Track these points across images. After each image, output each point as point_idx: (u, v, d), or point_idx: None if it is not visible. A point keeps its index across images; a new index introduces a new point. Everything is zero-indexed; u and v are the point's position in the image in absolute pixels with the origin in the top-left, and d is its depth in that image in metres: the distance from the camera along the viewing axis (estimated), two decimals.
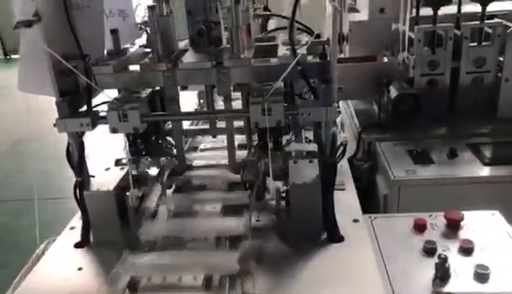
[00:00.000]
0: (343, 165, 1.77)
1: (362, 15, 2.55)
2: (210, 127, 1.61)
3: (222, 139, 1.64)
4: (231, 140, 1.49)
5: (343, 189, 1.58)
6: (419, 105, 2.01)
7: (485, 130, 2.08)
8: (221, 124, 1.64)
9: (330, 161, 1.31)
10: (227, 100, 1.42)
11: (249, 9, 1.48)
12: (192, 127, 1.83)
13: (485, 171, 1.77)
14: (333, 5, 1.22)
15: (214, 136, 1.65)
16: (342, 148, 1.41)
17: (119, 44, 1.45)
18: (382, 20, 2.46)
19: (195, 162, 1.58)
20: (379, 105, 2.23)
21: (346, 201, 1.51)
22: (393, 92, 2.03)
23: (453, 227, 1.36)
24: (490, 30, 2.11)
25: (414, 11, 2.29)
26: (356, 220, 1.40)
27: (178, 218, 1.33)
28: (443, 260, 1.17)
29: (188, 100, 2.05)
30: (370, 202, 1.98)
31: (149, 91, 1.43)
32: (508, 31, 2.02)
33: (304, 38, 1.43)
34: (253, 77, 1.33)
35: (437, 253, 1.23)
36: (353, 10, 2.84)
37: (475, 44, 2.12)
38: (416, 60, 2.14)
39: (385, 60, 2.32)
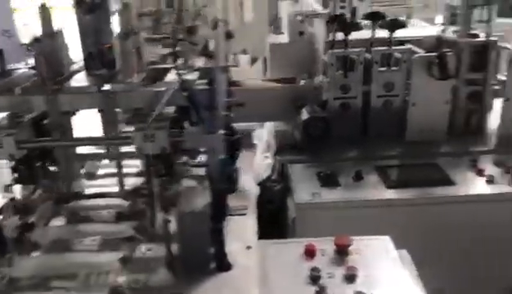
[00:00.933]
0: (251, 189, 1.77)
1: (283, 38, 2.59)
2: (107, 152, 1.56)
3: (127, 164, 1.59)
4: (119, 167, 1.44)
5: (243, 214, 1.56)
6: (329, 128, 2.04)
7: (394, 152, 2.14)
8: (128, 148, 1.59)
9: (219, 188, 1.30)
10: (113, 125, 1.37)
11: (140, 33, 1.45)
12: (88, 152, 1.74)
13: (387, 194, 1.81)
14: (216, 33, 1.21)
15: (110, 161, 1.59)
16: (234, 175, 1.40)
17: (4, 65, 1.38)
18: (302, 42, 2.50)
19: (88, 190, 1.52)
20: (294, 127, 2.25)
21: (244, 226, 1.49)
22: (304, 115, 2.06)
23: (342, 253, 1.37)
24: (399, 55, 2.19)
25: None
26: (249, 247, 1.38)
27: (52, 253, 1.26)
28: (322, 289, 1.17)
29: None
30: (282, 225, 1.99)
31: (35, 114, 1.37)
32: (413, 57, 2.10)
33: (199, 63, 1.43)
34: (141, 102, 1.30)
35: (320, 281, 1.23)
36: (279, 32, 2.89)
37: (385, 69, 2.19)
38: (329, 83, 2.18)
39: (302, 82, 2.37)
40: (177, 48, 1.52)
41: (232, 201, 1.49)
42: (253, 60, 2.65)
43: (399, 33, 2.44)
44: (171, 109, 1.33)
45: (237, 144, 1.78)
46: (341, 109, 2.22)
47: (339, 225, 1.79)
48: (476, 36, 2.20)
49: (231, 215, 1.50)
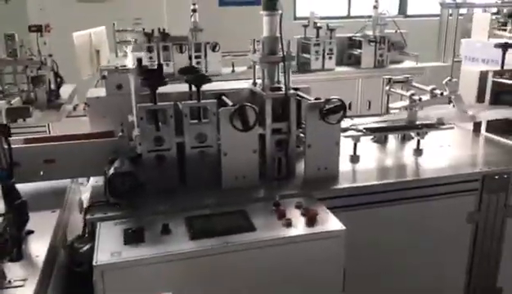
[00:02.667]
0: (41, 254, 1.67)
1: (100, 91, 2.56)
2: None
3: None
4: None
5: (19, 286, 1.45)
6: (137, 183, 2.02)
7: (208, 201, 2.19)
8: None
9: None
10: None
11: None
12: None
13: (188, 246, 1.82)
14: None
15: None
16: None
17: None
18: (120, 95, 2.49)
19: None
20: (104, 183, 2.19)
21: None
22: (111, 171, 2.02)
23: None
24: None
25: None
26: None
27: None
28: None
29: None
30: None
31: None
32: (220, 110, 2.20)
33: None
34: None
35: None
36: None
37: (196, 121, 2.27)
38: (142, 136, 2.19)
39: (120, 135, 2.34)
40: None
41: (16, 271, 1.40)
42: None
43: (219, 86, 2.59)
44: None
45: (22, 208, 1.68)
46: (156, 161, 2.24)
47: (143, 283, 1.77)
48: (279, 89, 2.39)
49: (6, 287, 1.39)
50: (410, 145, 2.85)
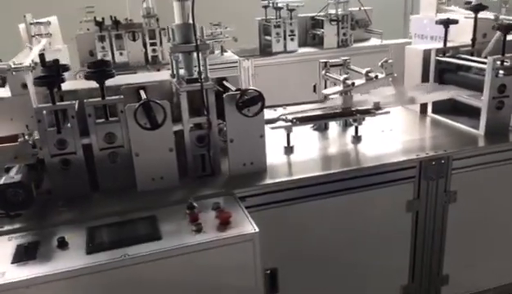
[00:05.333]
0: None
1: (5, 91, 2.35)
2: None
3: None
4: None
5: None
6: (30, 192, 1.85)
7: (119, 207, 2.03)
8: None
9: None
10: None
11: None
12: None
13: (81, 262, 1.66)
14: None
15: None
16: None
17: None
18: (27, 95, 2.29)
19: None
20: None
21: None
22: (1, 181, 1.85)
23: None
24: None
25: None
26: None
27: None
28: None
29: None
30: None
31: None
32: (125, 107, 2.03)
33: None
34: None
35: None
36: None
37: (103, 120, 2.09)
38: (41, 140, 2.01)
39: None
40: None
41: None
42: None
43: (136, 79, 2.41)
44: None
45: None
46: (61, 166, 2.06)
47: None
48: (196, 81, 2.21)
49: None
50: (352, 132, 2.69)
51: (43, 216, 1.97)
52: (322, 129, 2.83)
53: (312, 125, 2.81)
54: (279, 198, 2.21)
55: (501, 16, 3.20)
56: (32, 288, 1.59)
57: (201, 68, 2.14)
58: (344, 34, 6.06)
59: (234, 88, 2.28)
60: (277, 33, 5.83)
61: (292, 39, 5.89)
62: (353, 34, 6.15)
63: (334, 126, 2.88)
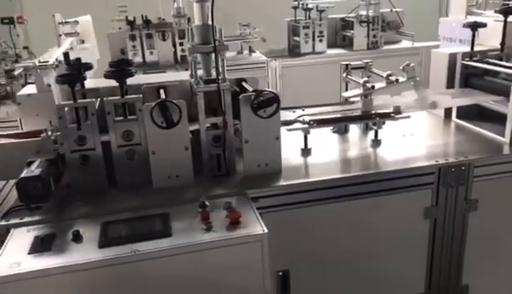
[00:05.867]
0: None
1: (31, 88, 2.45)
2: None
3: None
4: None
5: None
6: (48, 186, 1.92)
7: (135, 203, 2.07)
8: None
9: None
10: None
11: None
12: None
13: (93, 255, 1.71)
14: None
15: None
16: None
17: None
18: (50, 93, 2.38)
19: None
20: None
21: None
22: (22, 175, 1.92)
23: None
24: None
25: None
26: None
27: None
28: None
29: None
30: None
31: None
32: (143, 106, 2.07)
33: None
34: None
35: None
36: None
37: (121, 118, 2.14)
38: (62, 136, 2.08)
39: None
40: None
41: None
42: None
43: (158, 79, 2.46)
44: None
45: None
46: (81, 161, 2.13)
47: None
48: (214, 81, 2.23)
49: None
50: (372, 135, 2.66)
51: (62, 209, 2.04)
52: (342, 132, 2.80)
53: (332, 127, 2.79)
54: (292, 199, 2.20)
55: None
56: (44, 279, 1.66)
57: (219, 69, 2.16)
58: (374, 36, 5.99)
59: (251, 89, 2.29)
60: (306, 34, 5.81)
61: (321, 40, 5.86)
62: (384, 36, 6.07)
63: (354, 130, 2.85)
